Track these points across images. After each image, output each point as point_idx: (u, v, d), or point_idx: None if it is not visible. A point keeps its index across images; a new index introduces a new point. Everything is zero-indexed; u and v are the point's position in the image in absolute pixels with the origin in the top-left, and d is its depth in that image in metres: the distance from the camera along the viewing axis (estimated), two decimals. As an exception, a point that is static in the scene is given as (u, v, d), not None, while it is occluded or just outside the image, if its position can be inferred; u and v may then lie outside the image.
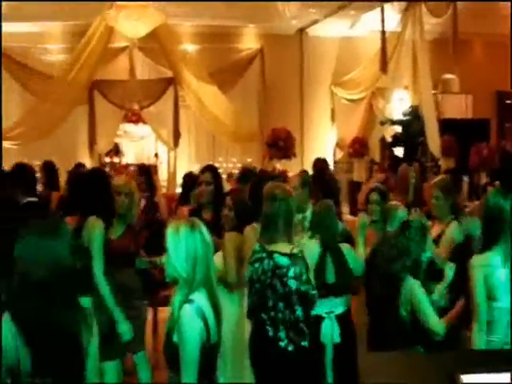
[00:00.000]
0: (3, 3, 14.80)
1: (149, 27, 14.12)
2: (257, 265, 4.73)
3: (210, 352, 3.59)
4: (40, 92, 15.32)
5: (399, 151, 13.00)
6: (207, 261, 3.65)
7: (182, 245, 3.60)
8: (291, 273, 4.62)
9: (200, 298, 3.58)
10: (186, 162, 15.58)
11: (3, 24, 15.73)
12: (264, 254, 4.70)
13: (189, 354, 3.49)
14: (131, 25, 13.82)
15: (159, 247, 3.92)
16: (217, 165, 14.90)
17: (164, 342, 3.74)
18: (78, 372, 3.15)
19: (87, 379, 3.20)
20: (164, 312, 8.39)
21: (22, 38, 16.20)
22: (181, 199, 9.29)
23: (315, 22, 16.01)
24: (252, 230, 5.44)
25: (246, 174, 7.98)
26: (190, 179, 9.07)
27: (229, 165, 15.93)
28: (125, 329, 5.43)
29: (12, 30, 15.92)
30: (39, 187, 8.82)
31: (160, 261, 6.02)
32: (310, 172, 10.10)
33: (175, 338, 3.56)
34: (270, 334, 4.65)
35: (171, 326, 3.63)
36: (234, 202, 5.74)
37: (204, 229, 3.70)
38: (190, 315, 3.52)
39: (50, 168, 9.33)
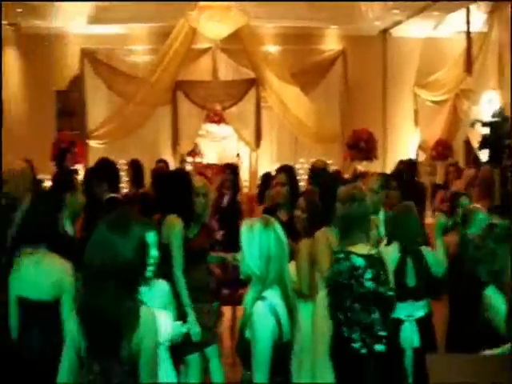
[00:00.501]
0: (91, 6, 15.21)
1: (231, 28, 14.21)
2: (335, 266, 4.70)
3: (282, 349, 3.59)
4: (125, 92, 15.64)
5: (484, 154, 12.72)
6: (281, 259, 3.65)
7: (255, 242, 3.62)
8: (368, 274, 4.57)
9: (273, 296, 3.59)
10: (268, 163, 15.59)
11: (90, 27, 16.18)
12: (342, 255, 4.66)
13: (260, 351, 3.51)
14: (214, 26, 13.94)
15: (235, 244, 3.97)
16: (298, 166, 14.95)
17: (237, 338, 3.76)
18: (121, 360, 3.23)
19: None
20: (241, 310, 8.48)
21: (108, 39, 16.60)
22: (257, 198, 9.33)
23: (398, 22, 15.82)
24: (323, 235, 5.38)
25: (318, 174, 7.84)
26: (266, 179, 9.10)
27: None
28: (195, 331, 5.49)
29: (98, 32, 16.36)
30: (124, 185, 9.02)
31: (233, 257, 6.09)
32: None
33: (247, 335, 3.57)
34: (346, 334, 4.61)
35: (244, 322, 3.66)
36: (307, 204, 5.70)
37: (278, 227, 3.71)
38: (263, 312, 3.53)
39: (136, 166, 9.51)
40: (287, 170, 6.94)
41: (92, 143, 15.80)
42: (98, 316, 3.22)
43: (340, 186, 5.31)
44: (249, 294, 3.71)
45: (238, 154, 15.90)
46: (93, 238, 3.32)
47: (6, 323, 4.60)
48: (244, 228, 3.71)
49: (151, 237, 3.95)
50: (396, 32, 16.55)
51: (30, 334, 4.50)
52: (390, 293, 4.63)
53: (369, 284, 4.56)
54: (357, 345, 4.57)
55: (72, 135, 14.83)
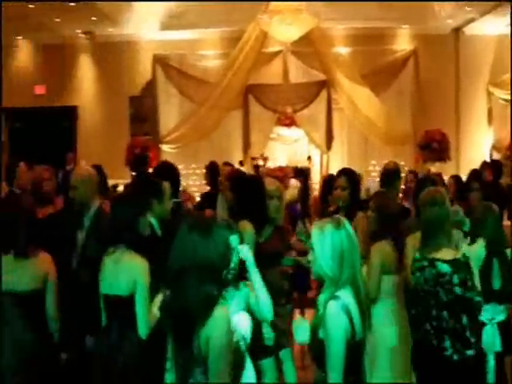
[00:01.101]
0: (163, 12, 15.44)
1: (302, 31, 14.20)
2: (418, 274, 4.64)
3: (355, 349, 3.56)
4: (196, 97, 15.82)
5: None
6: (353, 259, 3.62)
7: (327, 243, 3.59)
8: (455, 280, 4.50)
9: (346, 295, 3.57)
10: (339, 165, 15.42)
11: (162, 32, 16.42)
12: (425, 263, 4.60)
13: (334, 350, 3.49)
14: (285, 29, 13.95)
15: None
16: (370, 168, 14.86)
17: (310, 338, 3.77)
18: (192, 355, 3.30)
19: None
20: (310, 314, 8.48)
21: (180, 45, 16.83)
22: (320, 201, 9.31)
23: (471, 20, 15.57)
24: (411, 239, 5.30)
25: (390, 176, 7.71)
26: (329, 182, 9.06)
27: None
28: (270, 335, 5.48)
29: (170, 37, 16.59)
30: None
31: (307, 260, 6.07)
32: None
33: (321, 335, 3.57)
34: (435, 343, 4.55)
35: (317, 323, 3.65)
36: (376, 206, 5.64)
37: (349, 227, 3.68)
38: (336, 311, 3.51)
39: (213, 169, 9.58)
40: (348, 174, 6.83)
41: (164, 148, 16.01)
42: (180, 311, 3.29)
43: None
44: (322, 294, 3.71)
45: (309, 157, 15.88)
46: (177, 240, 3.38)
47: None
48: (315, 229, 3.69)
49: (234, 240, 3.99)
50: (469, 30, 16.30)
51: (110, 329, 4.65)
52: (478, 298, 4.57)
53: (457, 290, 4.50)
54: (448, 352, 4.51)
55: (145, 140, 15.04)
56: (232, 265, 3.99)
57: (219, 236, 3.39)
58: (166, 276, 3.40)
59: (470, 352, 4.51)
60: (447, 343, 4.51)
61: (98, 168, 7.45)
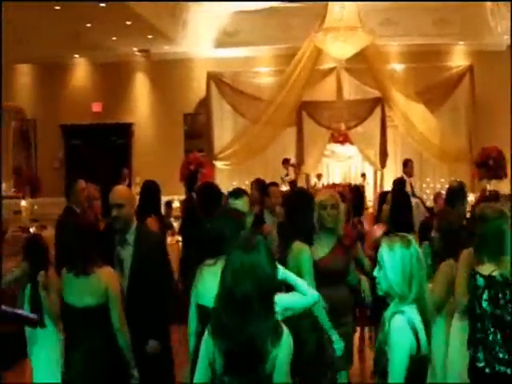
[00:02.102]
0: (217, 30, 15.59)
1: (357, 48, 14.18)
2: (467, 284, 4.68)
3: (419, 364, 3.53)
4: (250, 114, 15.91)
5: None
6: (421, 278, 3.61)
7: (397, 261, 3.58)
8: (485, 295, 4.50)
9: (411, 311, 3.56)
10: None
11: (216, 50, 16.59)
12: (470, 274, 4.63)
13: (397, 363, 3.47)
14: (339, 46, 13.94)
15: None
16: (424, 185, 14.75)
17: (375, 352, 3.75)
18: (260, 376, 3.23)
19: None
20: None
21: (233, 62, 16.98)
22: (375, 218, 9.29)
23: (528, 36, 15.38)
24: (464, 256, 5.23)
25: (455, 195, 7.64)
26: (381, 198, 9.03)
27: (437, 185, 15.63)
28: (340, 345, 5.36)
29: (224, 55, 16.73)
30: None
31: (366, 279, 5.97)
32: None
33: (386, 349, 3.55)
34: (471, 353, 4.57)
35: (383, 337, 3.63)
36: (440, 224, 5.58)
37: (417, 246, 3.68)
38: (401, 325, 3.50)
39: (261, 186, 9.59)
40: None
41: (218, 164, 16.12)
42: (241, 336, 3.21)
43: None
44: (388, 310, 3.69)
45: (363, 174, 15.82)
46: (232, 262, 3.29)
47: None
48: (384, 246, 3.68)
49: None
50: (525, 46, 16.10)
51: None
52: (508, 317, 4.53)
53: (485, 305, 4.50)
54: (481, 364, 4.51)
55: (200, 157, 15.16)
56: None
57: (266, 249, 3.34)
58: (227, 300, 3.35)
59: (501, 368, 4.47)
60: (480, 355, 4.52)
61: (153, 184, 7.55)
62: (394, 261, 3.60)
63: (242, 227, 4.69)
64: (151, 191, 7.51)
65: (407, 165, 13.34)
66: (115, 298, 4.87)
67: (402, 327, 3.50)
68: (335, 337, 5.21)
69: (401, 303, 3.59)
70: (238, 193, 5.92)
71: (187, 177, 13.20)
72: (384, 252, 3.66)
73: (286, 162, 15.69)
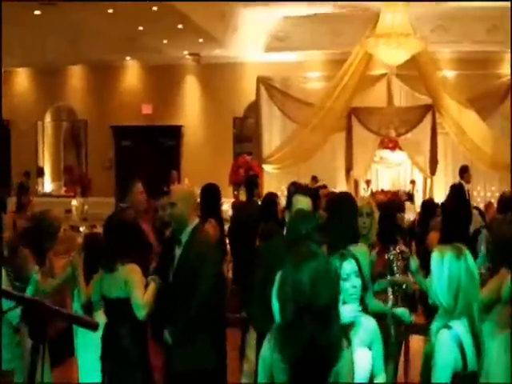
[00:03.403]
0: (268, 35, 15.62)
1: (408, 54, 14.09)
2: None
3: (465, 381, 3.48)
4: (299, 119, 15.88)
5: None
6: (470, 291, 3.53)
7: (445, 272, 3.53)
8: None
9: (459, 326, 3.49)
10: (442, 190, 15.27)
11: (266, 55, 16.64)
12: None
13: (440, 379, 3.43)
14: (391, 52, 13.86)
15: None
16: (474, 193, 14.58)
17: (422, 366, 3.70)
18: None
19: None
20: (415, 341, 8.33)
21: (283, 67, 17.04)
22: (418, 225, 9.21)
23: None
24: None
25: (506, 204, 7.53)
26: (427, 207, 8.95)
27: (487, 193, 15.45)
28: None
29: (274, 59, 16.79)
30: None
31: (404, 280, 5.91)
32: None
33: (432, 363, 3.52)
34: None
35: (429, 350, 3.59)
36: (493, 234, 5.51)
37: (470, 257, 3.59)
38: (446, 341, 3.45)
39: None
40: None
41: (267, 168, 16.14)
42: (321, 341, 3.06)
43: None
44: (435, 322, 3.64)
45: (412, 181, 15.71)
46: (303, 271, 3.09)
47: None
48: (435, 255, 3.63)
49: (350, 264, 3.90)
50: None
51: None
52: None
53: None
54: None
55: (249, 160, 15.21)
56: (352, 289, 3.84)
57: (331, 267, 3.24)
58: (285, 312, 3.28)
59: None
60: None
61: (212, 187, 7.59)
62: (443, 271, 3.55)
63: (317, 227, 4.65)
64: (211, 194, 7.57)
65: (466, 170, 13.18)
66: (133, 292, 5.06)
67: (447, 343, 3.45)
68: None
69: (448, 316, 3.54)
70: (304, 190, 5.75)
71: (246, 182, 13.17)
72: (434, 261, 3.62)
73: (313, 179, 15.59)
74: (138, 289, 5.08)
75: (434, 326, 3.60)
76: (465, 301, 3.52)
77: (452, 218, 6.61)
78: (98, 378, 5.61)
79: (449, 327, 3.48)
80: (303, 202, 5.16)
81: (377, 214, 6.14)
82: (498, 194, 13.60)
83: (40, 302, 2.41)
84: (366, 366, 3.69)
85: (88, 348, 5.82)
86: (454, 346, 3.44)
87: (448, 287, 3.52)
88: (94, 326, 2.61)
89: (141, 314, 5.03)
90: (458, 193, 8.37)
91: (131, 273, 5.13)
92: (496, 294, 5.11)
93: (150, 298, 5.08)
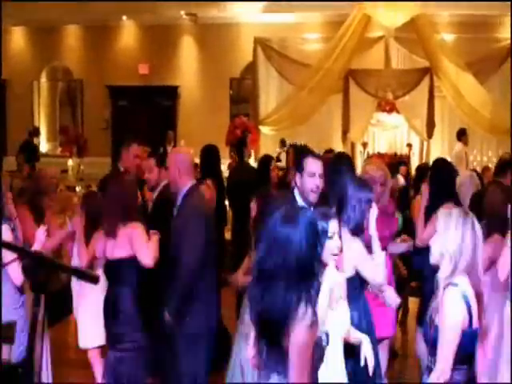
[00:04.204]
0: None
1: (407, 17, 14.02)
2: None
3: (470, 338, 3.52)
4: (296, 80, 15.81)
5: None
6: (474, 249, 3.56)
7: (452, 228, 3.57)
8: None
9: (464, 283, 3.53)
10: (439, 153, 15.21)
11: (264, 15, 16.49)
12: None
13: (448, 337, 3.46)
14: (390, 14, 13.79)
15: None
16: (471, 157, 14.59)
17: (427, 324, 3.73)
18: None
19: None
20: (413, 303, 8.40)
21: (281, 28, 16.91)
22: (414, 190, 9.18)
23: None
24: None
25: (504, 167, 7.43)
26: (421, 172, 8.92)
27: (484, 158, 15.45)
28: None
29: (271, 20, 16.64)
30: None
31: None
32: None
33: (437, 321, 3.55)
34: None
35: (434, 309, 3.62)
36: (486, 203, 5.51)
37: (476, 220, 3.63)
38: (454, 298, 3.49)
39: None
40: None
41: (263, 129, 16.10)
42: (268, 314, 3.17)
43: None
44: (440, 279, 3.65)
45: (408, 144, 15.68)
46: (268, 232, 3.24)
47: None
48: (442, 213, 3.69)
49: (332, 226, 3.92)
50: None
51: None
52: None
53: None
54: None
55: (246, 121, 15.15)
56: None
57: (310, 226, 3.22)
58: (257, 271, 3.25)
59: None
60: None
61: (211, 148, 7.57)
62: (449, 227, 3.58)
63: None
64: (210, 155, 7.57)
65: (464, 133, 13.20)
66: (138, 245, 5.12)
67: (454, 300, 3.49)
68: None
69: (451, 273, 3.56)
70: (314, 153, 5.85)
71: (236, 142, 13.13)
72: (441, 218, 3.65)
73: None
74: (144, 241, 5.14)
75: (439, 282, 3.60)
76: (468, 258, 3.55)
77: (438, 176, 6.46)
78: (98, 337, 5.65)
79: (455, 284, 3.52)
80: (315, 166, 4.96)
81: (390, 182, 6.09)
82: (495, 160, 13.60)
83: (43, 254, 2.44)
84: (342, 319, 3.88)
85: (86, 309, 5.87)
86: (462, 304, 3.48)
87: (453, 242, 3.55)
88: (95, 280, 2.63)
89: (149, 262, 5.06)
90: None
91: (135, 230, 5.16)
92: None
93: (154, 246, 5.16)
